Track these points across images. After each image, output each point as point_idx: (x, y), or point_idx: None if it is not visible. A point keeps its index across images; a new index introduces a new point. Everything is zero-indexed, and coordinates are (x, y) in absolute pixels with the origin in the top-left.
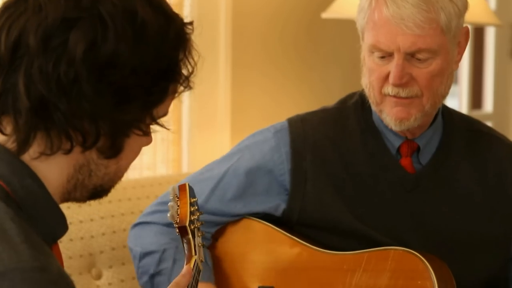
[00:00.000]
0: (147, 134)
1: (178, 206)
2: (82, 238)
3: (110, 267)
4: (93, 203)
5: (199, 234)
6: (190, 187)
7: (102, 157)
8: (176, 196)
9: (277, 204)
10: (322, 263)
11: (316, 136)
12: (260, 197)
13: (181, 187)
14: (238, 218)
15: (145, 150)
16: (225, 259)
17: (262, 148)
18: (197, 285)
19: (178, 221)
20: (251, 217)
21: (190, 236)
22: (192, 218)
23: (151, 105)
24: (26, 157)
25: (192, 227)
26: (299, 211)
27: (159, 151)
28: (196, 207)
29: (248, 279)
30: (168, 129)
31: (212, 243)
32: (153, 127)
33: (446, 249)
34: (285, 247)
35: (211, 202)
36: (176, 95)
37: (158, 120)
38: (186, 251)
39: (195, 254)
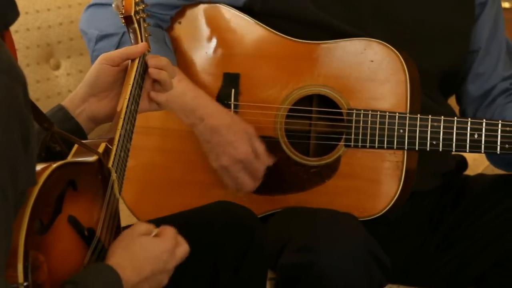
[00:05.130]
0: None
1: None
2: (39, 28)
3: (68, 57)
4: None
5: (145, 25)
6: None
7: None
8: None
9: None
10: (290, 51)
11: None
12: None
13: None
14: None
15: None
16: (187, 45)
17: None
18: (144, 73)
19: (123, 11)
20: (216, 4)
21: (136, 25)
22: (137, 9)
23: None
24: None
25: (138, 17)
26: (262, 1)
27: None
28: None
29: (213, 66)
30: None
31: (171, 26)
32: None
33: (408, 39)
34: (252, 34)
35: None
36: None
37: None
38: (132, 41)
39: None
